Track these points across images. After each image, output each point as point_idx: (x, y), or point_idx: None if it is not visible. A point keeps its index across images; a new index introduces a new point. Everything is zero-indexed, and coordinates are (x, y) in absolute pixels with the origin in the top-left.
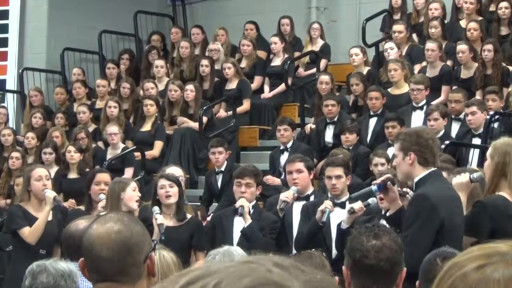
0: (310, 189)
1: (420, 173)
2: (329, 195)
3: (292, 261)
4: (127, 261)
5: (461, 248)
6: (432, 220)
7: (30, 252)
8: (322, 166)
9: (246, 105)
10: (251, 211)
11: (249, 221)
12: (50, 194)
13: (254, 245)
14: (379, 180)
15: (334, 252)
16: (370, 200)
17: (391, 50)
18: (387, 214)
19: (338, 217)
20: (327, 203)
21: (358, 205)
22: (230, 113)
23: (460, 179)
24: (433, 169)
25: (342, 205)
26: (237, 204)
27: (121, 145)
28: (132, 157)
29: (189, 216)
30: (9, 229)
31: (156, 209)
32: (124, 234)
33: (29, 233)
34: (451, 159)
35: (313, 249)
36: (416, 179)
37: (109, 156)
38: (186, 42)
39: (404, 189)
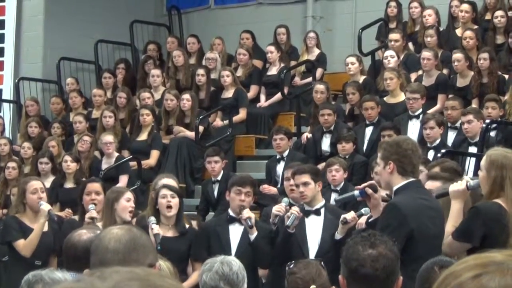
0: (321, 202)
1: (399, 182)
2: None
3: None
4: (131, 255)
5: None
6: (400, 229)
7: (26, 262)
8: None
9: (242, 114)
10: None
11: (256, 232)
12: (45, 207)
13: (261, 256)
14: (361, 186)
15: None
16: (363, 210)
17: (391, 58)
18: (369, 220)
19: (313, 225)
20: (294, 209)
21: (351, 215)
22: (226, 122)
23: (456, 186)
24: (412, 179)
25: (317, 212)
26: (244, 216)
27: (115, 154)
28: (126, 164)
29: (187, 226)
30: (3, 240)
31: (152, 219)
32: (134, 232)
33: (23, 246)
34: (455, 168)
35: (295, 259)
36: (394, 188)
37: (104, 165)
38: (178, 51)
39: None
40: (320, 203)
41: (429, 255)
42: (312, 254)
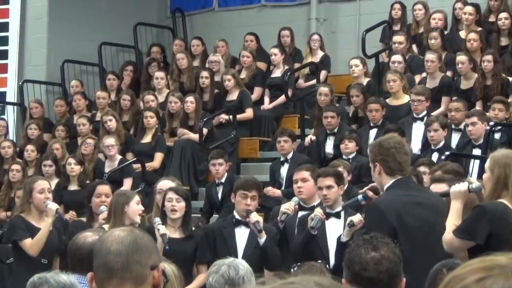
0: (317, 201)
1: (387, 182)
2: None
3: (330, 280)
4: (133, 257)
5: (425, 255)
6: (380, 227)
7: (31, 263)
8: None
9: (248, 113)
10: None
11: (265, 236)
12: (53, 206)
13: (272, 259)
14: (363, 190)
15: (332, 262)
16: None
17: (399, 64)
18: None
19: (334, 227)
20: (317, 211)
21: (357, 217)
22: (230, 117)
23: (458, 187)
24: (399, 177)
25: (337, 215)
26: (252, 220)
27: (118, 157)
28: (130, 167)
29: (193, 229)
30: (9, 239)
31: (157, 220)
32: (136, 234)
33: (30, 245)
34: (457, 170)
35: (315, 261)
36: (384, 188)
37: (107, 168)
38: (182, 53)
39: None
40: (340, 206)
41: (417, 253)
42: (333, 257)
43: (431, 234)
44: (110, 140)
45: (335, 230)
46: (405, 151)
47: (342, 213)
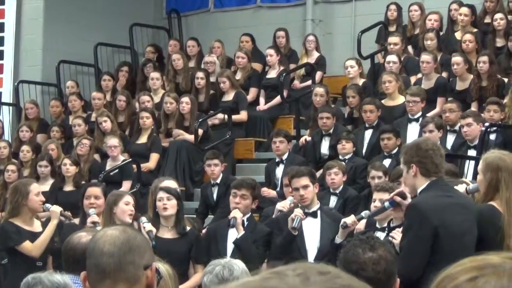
0: (317, 204)
1: (423, 184)
2: (299, 205)
3: (320, 267)
4: (126, 258)
5: (468, 253)
6: (423, 228)
7: (27, 264)
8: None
9: (243, 115)
10: (246, 223)
11: (242, 232)
12: (56, 209)
13: (246, 256)
14: (391, 196)
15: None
16: (363, 214)
17: (394, 64)
18: (391, 225)
19: (310, 227)
20: (297, 211)
21: (351, 219)
22: (226, 117)
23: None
24: (433, 179)
25: (314, 215)
26: (230, 216)
27: (121, 158)
28: (130, 170)
29: (188, 228)
30: (5, 246)
31: (143, 219)
32: (128, 234)
33: (33, 247)
34: (453, 170)
35: (294, 261)
36: (418, 190)
37: (109, 168)
38: (178, 54)
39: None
40: (317, 205)
41: (458, 253)
42: (311, 256)
43: (470, 233)
44: (113, 141)
45: (312, 230)
46: (441, 153)
47: (319, 212)
